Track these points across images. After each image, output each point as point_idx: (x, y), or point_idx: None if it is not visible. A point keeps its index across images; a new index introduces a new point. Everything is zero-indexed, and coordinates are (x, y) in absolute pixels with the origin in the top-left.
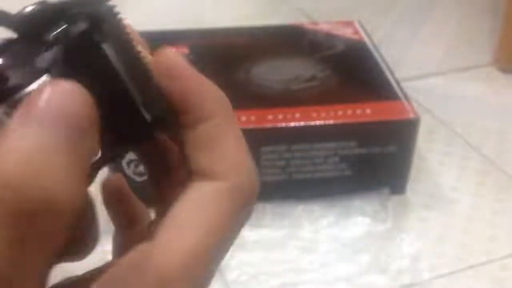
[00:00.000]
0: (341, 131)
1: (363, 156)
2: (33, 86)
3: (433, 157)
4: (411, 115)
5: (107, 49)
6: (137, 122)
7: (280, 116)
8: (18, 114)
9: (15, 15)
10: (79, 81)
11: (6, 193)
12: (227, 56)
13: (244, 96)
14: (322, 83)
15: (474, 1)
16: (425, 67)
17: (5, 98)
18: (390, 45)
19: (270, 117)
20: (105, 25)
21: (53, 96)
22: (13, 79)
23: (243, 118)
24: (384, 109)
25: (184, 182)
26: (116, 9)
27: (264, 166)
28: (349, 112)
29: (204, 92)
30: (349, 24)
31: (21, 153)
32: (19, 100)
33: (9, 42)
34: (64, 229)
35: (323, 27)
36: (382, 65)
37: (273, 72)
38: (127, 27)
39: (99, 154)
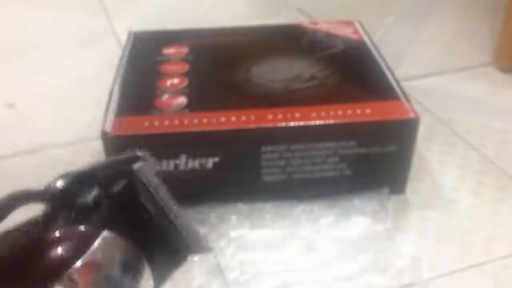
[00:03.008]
0: (341, 131)
1: (363, 156)
2: (92, 249)
3: (433, 157)
4: (411, 115)
5: (145, 200)
6: (177, 259)
7: (280, 116)
8: None
9: (46, 191)
10: (127, 233)
11: None
12: (227, 56)
13: (244, 96)
14: (321, 83)
15: (474, 1)
16: (425, 67)
17: (61, 273)
18: (390, 45)
19: (270, 117)
20: (141, 181)
21: None
22: (66, 252)
23: (243, 118)
24: (384, 109)
25: None
26: (146, 167)
27: (264, 166)
28: (349, 112)
29: None
30: (349, 23)
31: None
32: (73, 274)
33: (48, 216)
34: None
35: (323, 26)
36: (382, 65)
37: (273, 72)
38: (158, 177)
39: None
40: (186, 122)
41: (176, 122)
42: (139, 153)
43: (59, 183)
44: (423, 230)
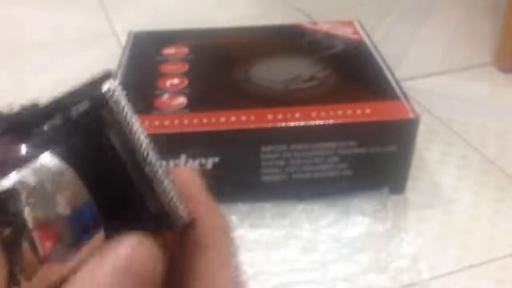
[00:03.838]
0: (341, 131)
1: (363, 156)
2: (24, 171)
3: (433, 157)
4: (411, 115)
5: (110, 131)
6: (139, 211)
7: (280, 116)
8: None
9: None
10: (81, 162)
11: None
12: (227, 56)
13: (244, 96)
14: (321, 83)
15: (474, 1)
16: (425, 67)
17: None
18: (390, 45)
19: (270, 117)
20: (106, 106)
21: (131, 251)
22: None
23: (243, 118)
24: (384, 109)
25: None
26: (115, 92)
27: (264, 166)
28: (349, 112)
29: (210, 221)
30: (348, 24)
31: None
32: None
33: None
34: None
35: (323, 27)
36: (382, 65)
37: (273, 72)
38: (127, 107)
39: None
40: (186, 122)
41: (176, 122)
42: (112, 71)
43: (9, 109)
44: (422, 230)
